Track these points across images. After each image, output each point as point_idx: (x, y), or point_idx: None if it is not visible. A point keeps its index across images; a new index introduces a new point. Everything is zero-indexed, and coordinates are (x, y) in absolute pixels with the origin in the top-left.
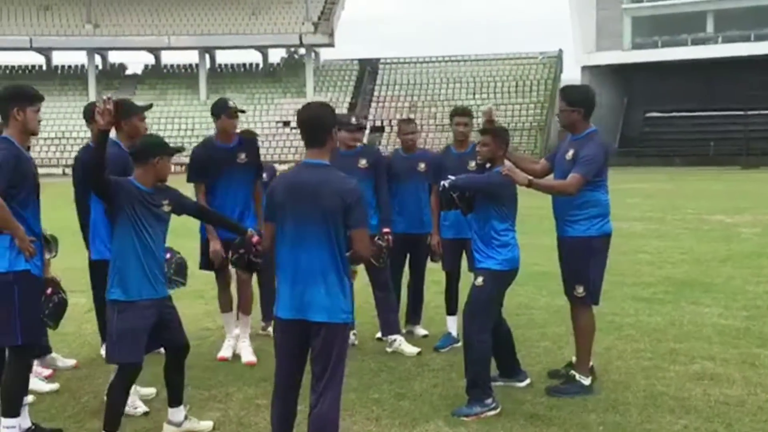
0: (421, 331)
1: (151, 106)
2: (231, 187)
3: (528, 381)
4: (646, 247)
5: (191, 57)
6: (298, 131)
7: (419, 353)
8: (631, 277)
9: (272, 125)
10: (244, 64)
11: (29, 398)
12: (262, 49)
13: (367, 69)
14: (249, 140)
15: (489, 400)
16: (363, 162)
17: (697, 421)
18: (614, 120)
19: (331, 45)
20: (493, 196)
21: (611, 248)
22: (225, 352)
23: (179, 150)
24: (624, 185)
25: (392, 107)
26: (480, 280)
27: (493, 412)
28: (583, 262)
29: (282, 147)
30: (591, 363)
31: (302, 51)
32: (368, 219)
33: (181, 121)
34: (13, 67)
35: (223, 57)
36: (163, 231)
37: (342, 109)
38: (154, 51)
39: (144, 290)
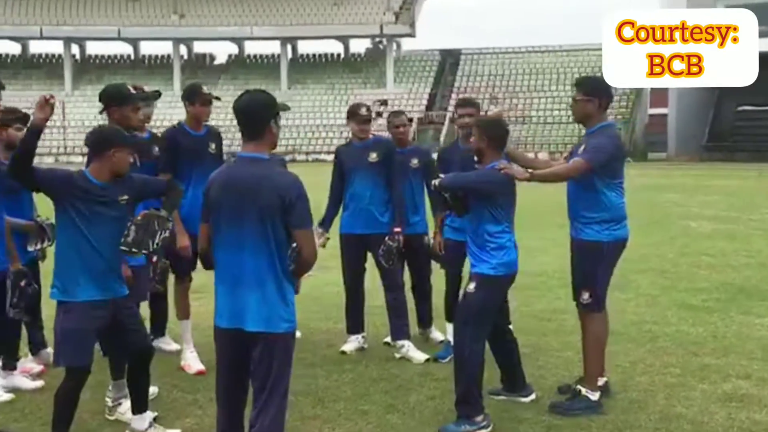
0: (437, 335)
1: (158, 94)
2: (202, 177)
3: (533, 396)
4: (710, 249)
5: (274, 47)
6: (375, 122)
7: (427, 360)
8: (684, 282)
9: None
10: (325, 55)
11: (6, 396)
12: (344, 40)
13: (448, 60)
14: (215, 132)
15: (479, 418)
16: (373, 156)
17: None
18: (704, 114)
19: (411, 35)
20: (485, 195)
21: (673, 250)
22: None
23: (139, 144)
24: (707, 182)
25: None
26: (472, 285)
27: (483, 431)
28: (591, 267)
29: None
30: (605, 378)
31: (379, 41)
32: (311, 218)
33: None
34: (102, 56)
35: (305, 47)
36: (117, 228)
37: (422, 101)
38: (238, 41)
39: (89, 290)
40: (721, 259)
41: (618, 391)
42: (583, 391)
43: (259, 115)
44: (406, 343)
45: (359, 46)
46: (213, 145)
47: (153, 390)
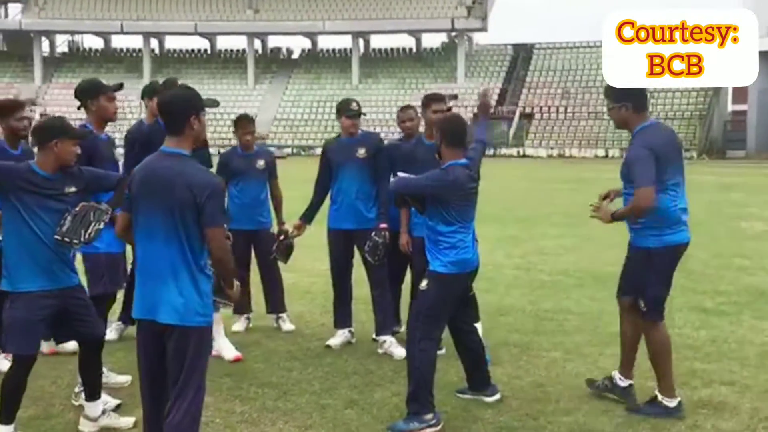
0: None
1: (121, 86)
2: None
3: (497, 396)
4: (750, 251)
5: (346, 41)
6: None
7: None
8: (707, 284)
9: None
10: (397, 49)
11: None
12: (416, 34)
13: (521, 54)
14: None
15: (429, 416)
16: (362, 151)
17: None
18: None
19: (483, 29)
20: (434, 197)
21: (710, 250)
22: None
23: (83, 135)
24: None
25: (544, 94)
26: (425, 283)
27: (432, 430)
28: (640, 275)
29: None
30: (630, 380)
31: (455, 35)
32: (223, 216)
33: (333, 105)
34: (179, 50)
35: (377, 41)
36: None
37: (493, 96)
38: (311, 35)
39: (37, 281)
40: (756, 261)
41: (590, 394)
42: (659, 397)
43: (178, 111)
44: (389, 338)
45: (431, 41)
46: None
47: (127, 378)
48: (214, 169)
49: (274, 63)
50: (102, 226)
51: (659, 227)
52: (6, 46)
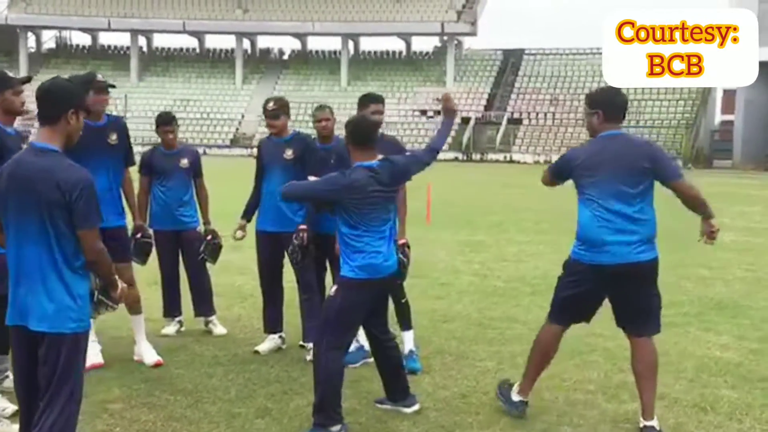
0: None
1: (29, 79)
2: (99, 166)
3: (416, 407)
4: (713, 262)
5: (336, 43)
6: (432, 120)
7: None
8: (664, 295)
9: (409, 113)
10: (387, 52)
11: None
12: (406, 37)
13: (510, 59)
14: (118, 122)
15: (336, 427)
16: (289, 153)
17: None
18: None
19: (473, 34)
20: (330, 201)
21: (671, 261)
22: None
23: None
24: (757, 191)
25: (532, 100)
26: (333, 289)
27: None
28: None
29: (417, 135)
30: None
31: (445, 39)
32: (97, 216)
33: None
34: (168, 48)
35: (367, 44)
36: None
37: (481, 100)
38: (300, 36)
39: None
40: (717, 272)
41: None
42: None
43: (54, 103)
44: None
45: (421, 44)
46: (114, 136)
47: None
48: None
49: (262, 63)
50: None
51: (578, 241)
52: None
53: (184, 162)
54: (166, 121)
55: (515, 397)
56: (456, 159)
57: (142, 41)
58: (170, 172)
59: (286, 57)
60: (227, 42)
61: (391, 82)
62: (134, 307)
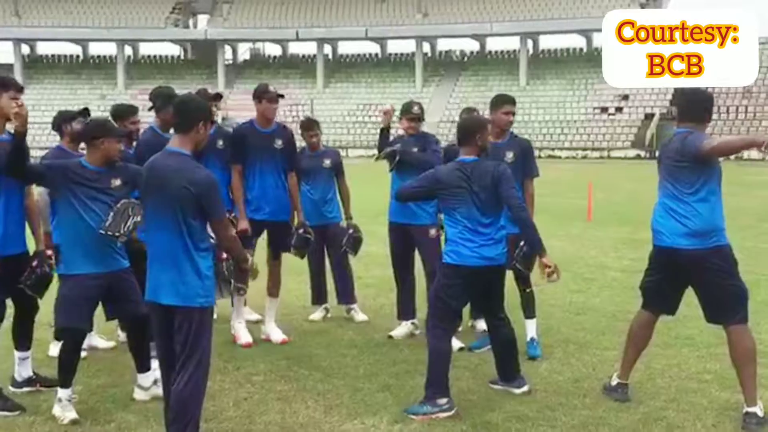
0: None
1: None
2: (269, 169)
3: (525, 388)
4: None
5: (515, 43)
6: (614, 117)
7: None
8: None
9: (589, 111)
10: (567, 49)
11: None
12: (587, 33)
13: None
14: (284, 128)
15: (443, 401)
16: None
17: None
18: None
19: None
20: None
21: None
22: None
23: (125, 134)
24: None
25: (723, 92)
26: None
27: (444, 414)
28: None
29: (598, 133)
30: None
31: None
32: (222, 210)
33: None
34: (351, 55)
35: (546, 42)
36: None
37: (666, 95)
38: (479, 38)
39: (87, 265)
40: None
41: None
42: None
43: (191, 114)
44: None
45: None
46: (279, 141)
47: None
48: None
49: (441, 66)
50: (139, 219)
51: None
52: (194, 55)
53: (327, 162)
54: (309, 126)
55: (614, 381)
56: (638, 156)
57: (327, 49)
58: (315, 172)
59: (465, 59)
60: (408, 46)
61: (571, 80)
62: (274, 292)
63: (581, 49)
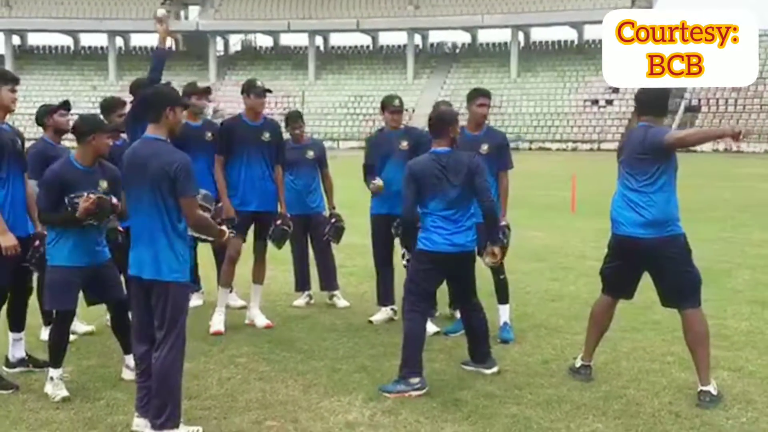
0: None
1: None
2: (254, 161)
3: (495, 369)
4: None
5: (506, 35)
6: (605, 110)
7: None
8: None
9: (579, 103)
10: (559, 42)
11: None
12: (578, 26)
13: None
14: (272, 122)
15: (415, 380)
16: (404, 144)
17: None
18: None
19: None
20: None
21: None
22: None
23: (116, 129)
24: None
25: (713, 85)
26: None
27: (416, 393)
28: None
29: (588, 125)
30: None
31: None
32: (193, 189)
33: (493, 99)
34: (343, 47)
35: (538, 34)
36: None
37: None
38: (470, 30)
39: (72, 258)
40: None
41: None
42: None
43: (154, 104)
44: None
45: (594, 33)
46: (267, 134)
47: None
48: None
49: (433, 58)
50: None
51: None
52: (185, 47)
53: (311, 154)
54: (294, 119)
55: (578, 363)
56: None
57: (319, 41)
58: (299, 163)
59: (456, 51)
60: (399, 38)
61: (562, 72)
62: (258, 278)
63: (572, 42)
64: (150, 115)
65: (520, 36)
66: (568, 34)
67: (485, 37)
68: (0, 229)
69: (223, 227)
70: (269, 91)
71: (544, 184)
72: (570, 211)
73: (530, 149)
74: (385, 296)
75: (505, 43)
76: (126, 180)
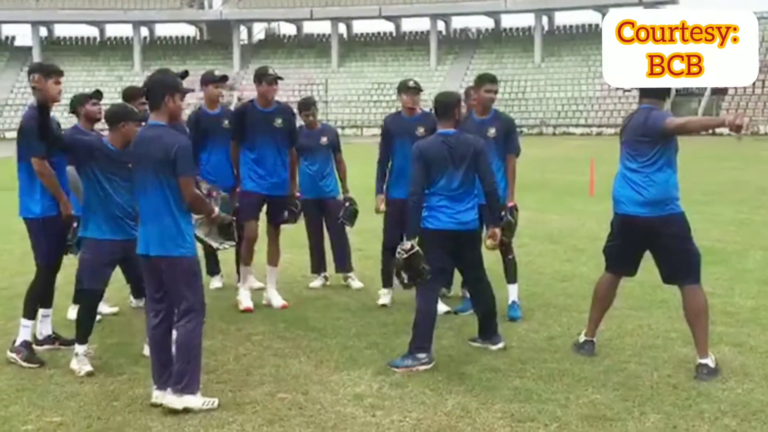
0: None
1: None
2: (266, 145)
3: (501, 345)
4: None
5: (529, 19)
6: (630, 93)
7: None
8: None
9: (604, 88)
10: (583, 26)
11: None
12: (601, 9)
13: None
14: (285, 108)
15: (422, 356)
16: (421, 130)
17: None
18: None
19: (674, 2)
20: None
21: None
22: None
23: (143, 118)
24: None
25: None
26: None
27: (423, 367)
28: None
29: (614, 110)
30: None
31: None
32: (191, 169)
33: (514, 84)
34: (366, 34)
35: (563, 18)
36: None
37: None
38: (493, 15)
39: (107, 231)
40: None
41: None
42: None
43: (155, 92)
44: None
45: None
46: (279, 120)
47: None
48: None
49: (456, 44)
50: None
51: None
52: (209, 36)
53: (324, 140)
54: (306, 107)
55: (581, 339)
56: None
57: (342, 28)
58: (312, 149)
59: (480, 37)
60: (422, 25)
61: (586, 57)
62: (273, 261)
63: (596, 26)
64: (151, 102)
65: (544, 20)
66: (592, 18)
67: (508, 22)
68: (63, 200)
69: (216, 209)
70: (281, 78)
71: (565, 168)
72: (588, 194)
73: (554, 134)
74: (389, 278)
75: (529, 28)
76: (135, 162)
